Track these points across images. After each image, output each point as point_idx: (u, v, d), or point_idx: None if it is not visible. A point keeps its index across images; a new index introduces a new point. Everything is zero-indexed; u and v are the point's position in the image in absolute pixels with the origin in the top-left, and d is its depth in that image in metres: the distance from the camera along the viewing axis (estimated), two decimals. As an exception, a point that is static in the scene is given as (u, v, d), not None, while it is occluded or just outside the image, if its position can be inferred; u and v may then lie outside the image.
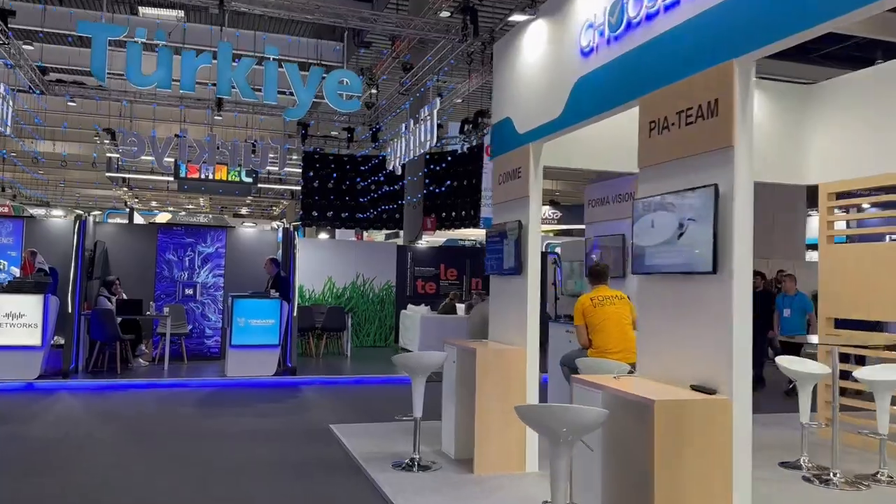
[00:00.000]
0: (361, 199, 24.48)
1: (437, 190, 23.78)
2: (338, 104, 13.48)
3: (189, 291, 11.98)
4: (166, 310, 11.19)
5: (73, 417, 7.80)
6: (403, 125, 19.52)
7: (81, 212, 10.70)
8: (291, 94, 12.80)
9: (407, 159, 19.31)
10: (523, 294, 5.97)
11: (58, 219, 14.89)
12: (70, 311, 9.98)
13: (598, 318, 5.97)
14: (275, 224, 20.76)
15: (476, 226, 23.58)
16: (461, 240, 16.68)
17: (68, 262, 10.16)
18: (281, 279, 10.87)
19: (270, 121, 27.27)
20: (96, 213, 34.26)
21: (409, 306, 14.71)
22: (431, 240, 22.03)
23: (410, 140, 18.37)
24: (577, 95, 5.22)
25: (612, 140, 6.27)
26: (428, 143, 17.06)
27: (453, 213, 24.49)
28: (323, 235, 18.73)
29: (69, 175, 39.26)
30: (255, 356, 10.17)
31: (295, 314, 10.72)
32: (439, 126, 18.76)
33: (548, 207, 33.38)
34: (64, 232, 11.65)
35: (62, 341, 10.29)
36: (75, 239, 10.23)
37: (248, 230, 12.65)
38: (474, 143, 23.88)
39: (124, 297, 11.35)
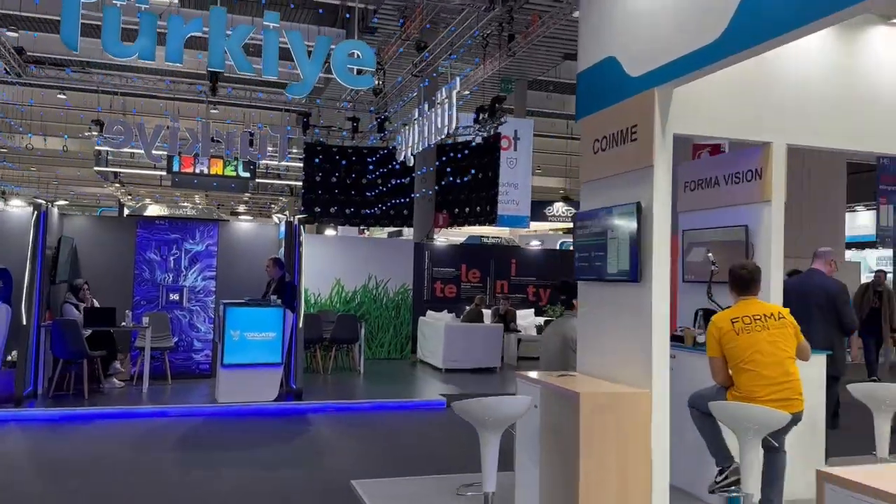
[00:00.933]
0: (368, 194, 22.60)
1: (454, 181, 21.97)
2: (347, 80, 11.64)
3: (174, 297, 10.11)
4: (146, 319, 9.31)
5: (11, 467, 5.92)
6: (416, 110, 17.71)
7: (42, 201, 8.68)
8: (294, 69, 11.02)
9: (421, 148, 17.47)
10: (644, 311, 4.12)
11: (16, 209, 12.96)
12: (26, 322, 8.10)
13: (742, 348, 4.09)
14: (276, 217, 18.80)
15: (493, 223, 21.73)
16: (483, 237, 14.89)
17: (26, 261, 8.28)
18: (285, 284, 9.02)
19: (266, 115, 25.33)
20: (62, 202, 32.19)
21: (429, 313, 12.86)
22: (451, 237, 20.21)
23: (425, 127, 16.56)
24: (753, 5, 3.37)
25: (732, 97, 4.46)
26: (446, 128, 15.23)
27: (467, 209, 22.68)
28: (329, 232, 16.86)
29: (64, 172, 37.39)
30: (252, 377, 8.30)
31: (301, 325, 8.86)
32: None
33: (560, 204, 31.59)
34: (22, 225, 9.78)
35: (16, 359, 8.43)
36: (33, 233, 8.35)
37: (244, 225, 10.79)
38: (490, 133, 22.10)
39: (95, 304, 9.48)
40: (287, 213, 23.28)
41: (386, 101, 21.87)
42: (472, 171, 22.01)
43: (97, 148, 26.23)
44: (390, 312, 13.10)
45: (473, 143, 22.59)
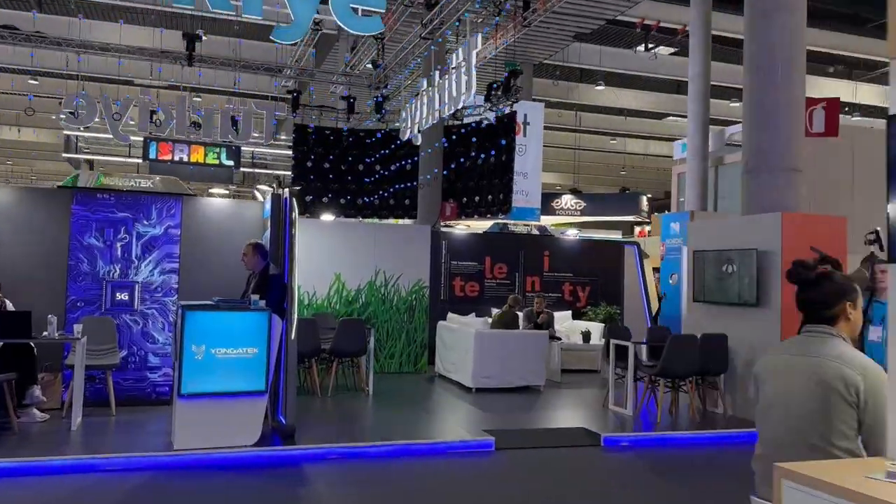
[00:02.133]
0: (366, 180, 20.12)
1: (463, 165, 19.52)
2: (350, 22, 9.23)
3: (122, 296, 7.57)
4: (78, 328, 6.75)
5: None
6: (424, 80, 15.20)
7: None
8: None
9: (430, 123, 15.00)
10: None
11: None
12: None
13: None
14: (259, 192, 16.13)
15: (506, 213, 19.33)
16: (510, 224, 12.44)
17: None
18: (271, 279, 6.53)
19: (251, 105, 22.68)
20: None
21: (451, 316, 10.38)
22: (472, 224, 17.71)
23: (435, 97, 14.10)
24: None
25: None
26: (462, 96, 12.79)
27: (476, 199, 20.25)
28: (326, 216, 14.34)
29: (41, 167, 34.55)
30: (224, 413, 5.78)
31: (293, 336, 6.34)
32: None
33: (569, 196, 29.17)
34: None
35: None
36: None
37: (216, 202, 8.21)
38: (505, 112, 19.61)
39: (9, 306, 6.93)
40: (274, 186, 20.50)
41: (387, 75, 19.38)
42: (483, 156, 19.61)
43: (65, 132, 23.59)
44: (402, 315, 10.61)
45: (484, 124, 20.20)
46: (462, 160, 20.02)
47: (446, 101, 13.75)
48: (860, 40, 18.85)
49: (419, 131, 15.72)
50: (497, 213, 19.34)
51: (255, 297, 6.24)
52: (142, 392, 7.60)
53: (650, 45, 21.33)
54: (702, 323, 8.43)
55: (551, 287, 12.24)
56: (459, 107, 13.61)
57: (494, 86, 18.53)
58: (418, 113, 15.40)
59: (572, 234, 12.56)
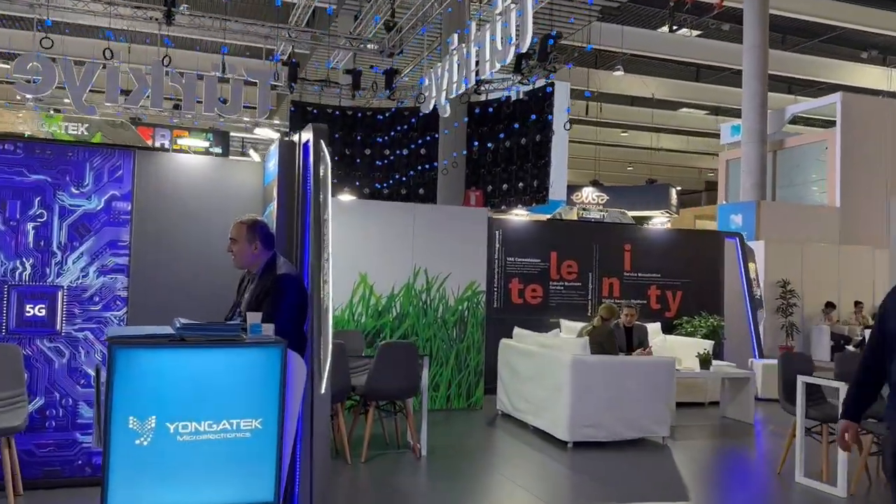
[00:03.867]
0: (378, 163, 17.25)
1: (489, 145, 16.73)
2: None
3: (35, 311, 4.66)
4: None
5: None
6: (455, 36, 12.39)
7: None
8: None
9: (463, 89, 12.30)
10: None
11: None
12: None
13: None
14: (259, 136, 12.89)
15: (542, 203, 16.49)
16: (580, 208, 9.48)
17: None
18: (281, 285, 3.62)
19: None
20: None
21: (519, 332, 7.52)
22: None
23: (472, 54, 11.42)
24: None
25: None
26: (513, 48, 10.12)
27: (505, 186, 17.41)
28: (345, 197, 11.39)
29: None
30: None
31: (324, 387, 3.46)
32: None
33: (591, 189, 26.36)
34: None
35: None
36: None
37: (189, 160, 5.24)
38: (538, 87, 16.84)
39: None
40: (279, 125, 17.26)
41: (401, 40, 16.46)
42: (513, 137, 16.79)
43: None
44: (449, 331, 7.74)
45: (513, 99, 17.34)
46: (487, 142, 17.21)
47: (487, 56, 10.91)
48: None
49: (448, 99, 12.86)
50: (531, 202, 16.54)
51: (252, 316, 3.33)
52: (66, 464, 4.69)
53: (674, 28, 18.69)
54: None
55: (633, 291, 9.41)
56: (507, 61, 10.77)
57: (525, 58, 15.69)
58: (447, 76, 12.55)
59: (659, 223, 9.70)
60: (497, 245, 8.87)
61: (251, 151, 6.97)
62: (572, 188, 26.63)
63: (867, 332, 14.53)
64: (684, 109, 25.66)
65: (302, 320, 3.75)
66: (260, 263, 3.80)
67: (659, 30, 19.29)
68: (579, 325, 8.62)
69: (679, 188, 28.51)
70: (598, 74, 21.38)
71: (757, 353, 9.93)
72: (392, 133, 17.03)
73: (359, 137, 17.01)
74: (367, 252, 7.48)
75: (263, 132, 10.15)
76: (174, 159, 5.13)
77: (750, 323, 9.91)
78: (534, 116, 16.56)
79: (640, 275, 9.49)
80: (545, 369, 6.54)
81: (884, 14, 16.77)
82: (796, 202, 17.79)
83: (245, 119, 16.12)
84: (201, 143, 16.97)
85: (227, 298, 3.94)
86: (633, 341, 7.95)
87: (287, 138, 4.54)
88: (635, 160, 31.38)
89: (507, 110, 16.98)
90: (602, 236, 9.42)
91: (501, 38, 10.30)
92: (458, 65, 11.82)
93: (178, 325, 3.05)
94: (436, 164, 16.22)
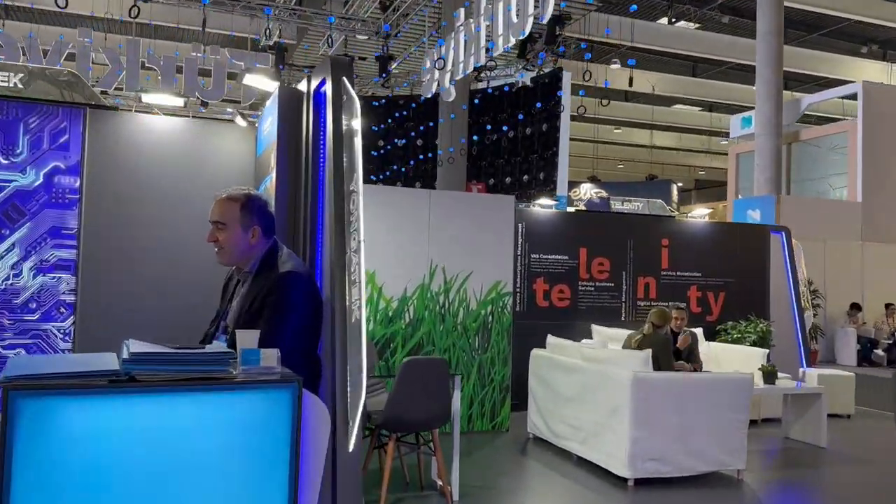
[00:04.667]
0: (373, 154, 16.06)
1: (492, 134, 15.67)
2: None
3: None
4: None
5: None
6: (461, 10, 11.28)
7: None
8: None
9: (471, 67, 11.22)
10: None
11: None
12: None
13: None
14: (251, 86, 11.40)
15: (551, 196, 15.40)
16: (606, 197, 8.34)
17: None
18: (284, 287, 2.44)
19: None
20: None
21: (553, 341, 6.38)
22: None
23: (482, 30, 10.39)
24: None
25: None
26: (530, 23, 9.11)
27: (508, 179, 16.31)
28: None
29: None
30: None
31: (353, 441, 2.31)
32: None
33: (589, 185, 25.32)
34: None
35: None
36: None
37: (157, 122, 4.04)
38: (545, 72, 15.80)
39: None
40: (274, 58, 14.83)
41: (397, 21, 15.27)
42: (518, 127, 15.71)
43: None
44: (471, 339, 6.59)
45: (517, 86, 16.26)
46: (490, 132, 16.10)
47: (501, 30, 9.80)
48: None
49: (453, 81, 11.72)
50: (538, 195, 15.43)
51: (244, 337, 2.14)
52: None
53: (673, 20, 17.74)
54: None
55: (671, 293, 8.31)
56: (523, 36, 9.67)
57: (529, 42, 14.61)
58: (452, 54, 11.41)
59: (700, 215, 8.61)
60: (520, 240, 7.73)
61: (237, 119, 5.82)
62: (570, 184, 25.62)
63: (898, 336, 13.67)
64: (678, 106, 24.76)
65: (315, 340, 2.59)
66: (255, 257, 2.63)
67: (658, 21, 18.27)
68: (613, 331, 7.53)
69: (680, 184, 27.60)
70: (595, 69, 20.28)
71: (804, 362, 8.89)
72: (389, 121, 15.86)
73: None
74: (375, 247, 6.30)
75: (256, 80, 8.81)
76: (137, 121, 3.93)
77: (797, 328, 8.86)
78: (539, 104, 15.49)
79: (678, 274, 8.39)
80: (595, 388, 5.41)
81: (885, 5, 15.90)
82: (816, 197, 16.85)
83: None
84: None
85: (207, 306, 2.76)
86: (680, 351, 6.84)
87: (289, 87, 3.37)
88: (627, 158, 30.48)
89: (512, 98, 15.91)
90: (637, 230, 8.30)
91: (517, 8, 9.20)
92: (467, 40, 10.70)
93: (126, 355, 1.87)
94: (432, 154, 15.09)
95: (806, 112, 18.91)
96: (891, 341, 13.64)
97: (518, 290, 7.68)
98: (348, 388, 2.50)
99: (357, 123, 2.68)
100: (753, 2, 15.92)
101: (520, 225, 7.76)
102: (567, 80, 18.65)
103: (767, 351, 7.40)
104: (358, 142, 2.68)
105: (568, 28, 17.15)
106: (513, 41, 9.68)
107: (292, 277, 2.53)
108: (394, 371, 5.29)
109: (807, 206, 14.49)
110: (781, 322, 8.77)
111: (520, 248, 7.75)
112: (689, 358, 6.93)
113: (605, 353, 5.66)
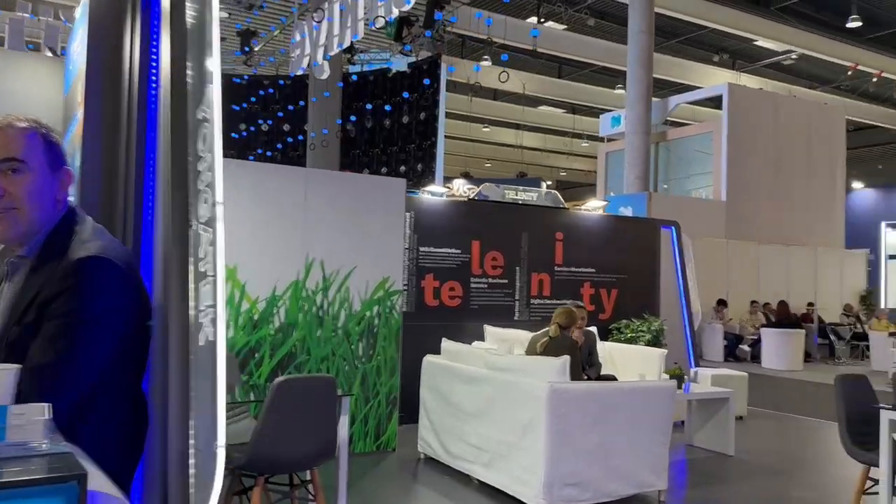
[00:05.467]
0: (233, 136, 14.56)
1: (366, 122, 14.77)
2: None
3: None
4: None
5: None
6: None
7: None
8: None
9: (348, 41, 10.33)
10: None
11: None
12: None
13: None
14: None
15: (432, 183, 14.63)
16: (503, 185, 7.70)
17: None
18: (83, 275, 1.41)
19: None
20: None
21: (447, 345, 5.55)
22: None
23: (359, 4, 9.53)
24: None
25: None
26: None
27: (384, 170, 15.38)
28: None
29: None
30: None
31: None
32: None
33: (462, 181, 24.96)
34: None
35: None
36: None
37: None
38: (423, 58, 15.15)
39: None
40: None
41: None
42: (396, 112, 14.87)
43: None
44: (353, 346, 5.62)
45: (392, 72, 15.44)
46: (363, 119, 15.09)
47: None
48: (757, 21, 16.64)
49: (328, 56, 10.66)
50: (419, 184, 14.62)
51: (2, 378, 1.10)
52: None
53: (542, 20, 17.74)
54: None
55: (565, 289, 7.75)
56: (409, 5, 8.82)
57: (406, 24, 13.77)
58: (326, 27, 10.35)
59: (594, 207, 8.14)
60: (408, 231, 6.84)
61: (47, 52, 4.57)
62: (444, 179, 25.08)
63: (763, 331, 14.15)
64: (543, 107, 24.98)
65: (136, 370, 1.58)
66: (39, 231, 1.58)
67: (528, 20, 18.04)
68: (507, 331, 6.82)
69: (549, 183, 27.87)
70: (463, 64, 19.76)
71: (693, 362, 8.68)
72: (252, 100, 14.43)
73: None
74: (236, 236, 5.18)
75: None
76: None
77: (686, 326, 8.62)
78: (420, 91, 14.69)
79: (572, 270, 7.84)
80: (504, 402, 4.62)
81: (736, 13, 16.59)
82: (683, 195, 17.28)
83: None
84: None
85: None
86: (573, 353, 6.23)
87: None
88: (495, 157, 30.55)
89: (388, 84, 14.99)
90: (532, 222, 7.66)
91: (401, -25, 8.32)
92: (343, 9, 9.65)
93: None
94: (301, 138, 13.89)
95: (667, 118, 19.47)
96: (755, 337, 14.10)
97: (405, 287, 6.78)
98: (191, 456, 1.50)
99: (214, 22, 1.68)
100: (620, 5, 16.04)
101: (408, 214, 6.87)
102: (444, 68, 17.96)
103: (665, 351, 6.96)
104: (215, 51, 1.67)
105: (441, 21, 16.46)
106: (396, 12, 8.78)
107: (96, 266, 1.50)
108: (262, 390, 4.24)
109: (675, 204, 14.68)
110: (670, 320, 8.49)
111: (408, 241, 6.86)
112: (589, 360, 6.38)
113: (514, 361, 4.89)
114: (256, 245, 5.26)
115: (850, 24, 16.09)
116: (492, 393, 4.76)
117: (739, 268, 15.22)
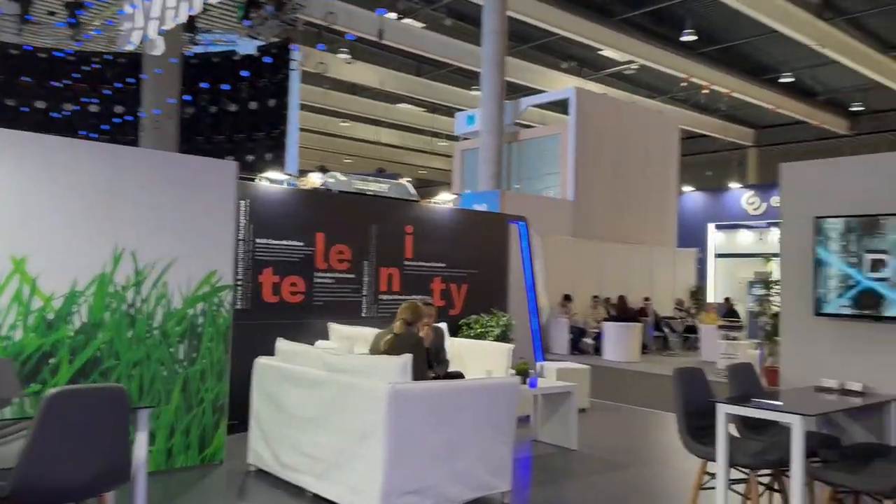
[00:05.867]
0: (54, 115, 13.04)
1: (208, 106, 13.87)
2: None
3: None
4: None
5: None
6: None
7: None
8: None
9: (186, 13, 9.59)
10: None
11: None
12: None
13: None
14: None
15: (282, 171, 13.92)
16: (355, 176, 7.26)
17: None
18: None
19: None
20: None
21: (282, 345, 5.06)
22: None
23: None
24: None
25: None
26: None
27: (231, 158, 14.39)
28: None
29: None
30: None
31: None
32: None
33: (317, 175, 24.22)
34: None
35: None
36: None
37: None
38: (273, 42, 14.51)
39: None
40: None
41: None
42: (243, 98, 14.03)
43: None
44: (172, 349, 4.97)
45: (237, 57, 14.61)
46: (206, 103, 14.06)
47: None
48: (602, 31, 17.62)
49: (163, 30, 9.71)
50: (267, 169, 13.80)
51: None
52: None
53: (401, 16, 17.66)
54: (830, 361, 4.51)
55: (415, 285, 7.46)
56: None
57: (253, 5, 13.13)
58: (159, 2, 9.44)
59: (444, 201, 7.94)
60: (243, 220, 6.25)
61: None
62: (299, 173, 24.15)
63: (604, 325, 14.72)
64: (402, 104, 24.85)
65: None
66: None
67: (387, 14, 17.75)
68: (353, 329, 6.44)
69: (409, 179, 27.73)
70: (317, 55, 19.11)
71: (541, 356, 8.72)
72: (77, 76, 12.98)
73: (28, 82, 12.68)
74: (26, 223, 4.40)
75: None
76: None
77: (533, 320, 8.64)
78: (268, 76, 13.88)
79: (422, 264, 7.58)
80: (341, 406, 4.22)
81: (585, 24, 17.27)
82: (534, 194, 17.66)
83: None
84: None
85: None
86: (428, 350, 5.97)
87: None
88: (354, 153, 30.02)
89: (234, 67, 14.04)
90: (381, 214, 7.29)
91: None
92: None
93: None
94: (133, 118, 12.67)
95: (518, 119, 19.88)
96: (597, 330, 14.63)
97: (240, 282, 6.19)
98: None
99: None
100: (477, 7, 16.13)
101: (243, 203, 6.27)
102: (296, 55, 17.14)
103: (512, 346, 6.87)
104: None
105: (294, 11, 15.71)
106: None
107: None
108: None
109: (526, 203, 14.91)
110: (518, 314, 8.46)
111: (243, 231, 6.27)
112: (437, 357, 6.14)
113: (353, 362, 4.49)
114: (52, 233, 4.49)
115: (685, 38, 17.17)
116: (329, 397, 4.34)
117: (584, 264, 15.75)
